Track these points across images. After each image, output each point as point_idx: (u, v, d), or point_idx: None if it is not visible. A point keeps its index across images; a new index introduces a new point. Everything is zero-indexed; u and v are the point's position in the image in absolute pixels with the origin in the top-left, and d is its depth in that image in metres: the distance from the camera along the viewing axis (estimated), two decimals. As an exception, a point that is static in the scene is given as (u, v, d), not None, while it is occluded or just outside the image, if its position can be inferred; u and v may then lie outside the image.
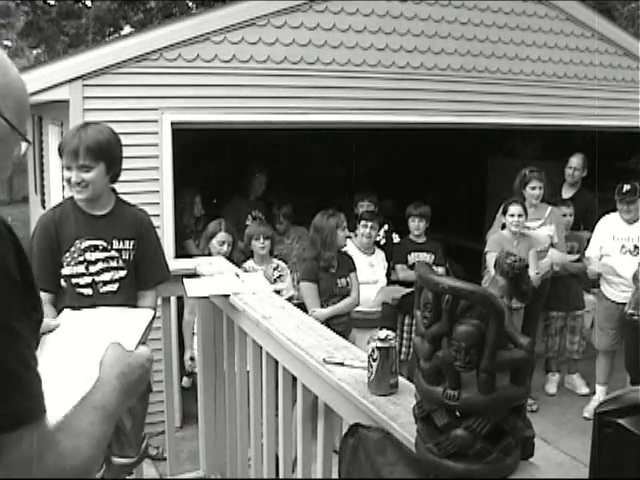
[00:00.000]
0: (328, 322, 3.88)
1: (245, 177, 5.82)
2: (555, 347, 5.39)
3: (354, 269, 4.28)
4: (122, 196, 2.77)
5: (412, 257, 5.07)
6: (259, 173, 5.79)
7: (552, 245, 5.14)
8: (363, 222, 4.67)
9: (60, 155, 2.55)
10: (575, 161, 5.69)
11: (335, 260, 4.15)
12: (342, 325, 3.95)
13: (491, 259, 4.78)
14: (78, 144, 2.47)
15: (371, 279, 4.61)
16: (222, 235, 4.23)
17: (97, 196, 2.56)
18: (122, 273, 2.60)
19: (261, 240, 4.34)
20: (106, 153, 2.52)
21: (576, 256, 5.13)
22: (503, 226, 5.00)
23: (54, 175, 5.62)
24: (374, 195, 5.55)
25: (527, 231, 4.96)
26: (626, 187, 4.78)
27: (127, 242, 2.61)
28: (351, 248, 4.60)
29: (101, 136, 2.53)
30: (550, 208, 5.22)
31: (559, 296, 5.24)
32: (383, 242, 5.35)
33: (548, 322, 5.38)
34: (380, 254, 4.84)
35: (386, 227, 5.41)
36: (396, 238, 5.46)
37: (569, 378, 5.55)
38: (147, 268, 2.67)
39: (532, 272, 4.73)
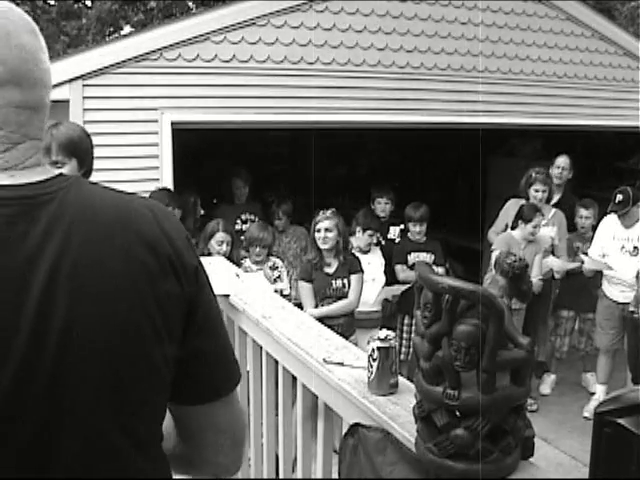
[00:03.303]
0: (323, 323, 3.85)
1: (227, 182, 5.65)
2: (582, 345, 5.44)
3: (358, 271, 4.17)
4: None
5: (412, 257, 5.06)
6: (237, 178, 5.57)
7: (553, 247, 5.13)
8: (359, 227, 4.64)
9: None
10: (562, 160, 5.51)
11: (333, 259, 4.11)
12: (339, 327, 3.83)
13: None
14: (50, 141, 2.43)
15: (369, 277, 4.59)
16: (221, 235, 4.22)
17: None
18: None
19: (257, 250, 4.33)
20: (78, 149, 2.51)
21: (576, 264, 5.08)
22: (512, 228, 4.98)
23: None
24: (391, 192, 5.50)
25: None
26: (619, 197, 4.76)
27: None
28: None
29: (72, 133, 2.52)
30: (554, 210, 5.21)
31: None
32: (397, 241, 5.35)
33: (581, 321, 5.38)
34: (377, 252, 4.83)
35: (402, 226, 5.37)
36: None
37: (583, 376, 5.56)
38: None
39: (535, 277, 4.73)
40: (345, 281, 4.12)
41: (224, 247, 4.19)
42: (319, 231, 4.05)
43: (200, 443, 1.04)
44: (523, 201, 5.11)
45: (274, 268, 4.39)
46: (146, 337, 0.90)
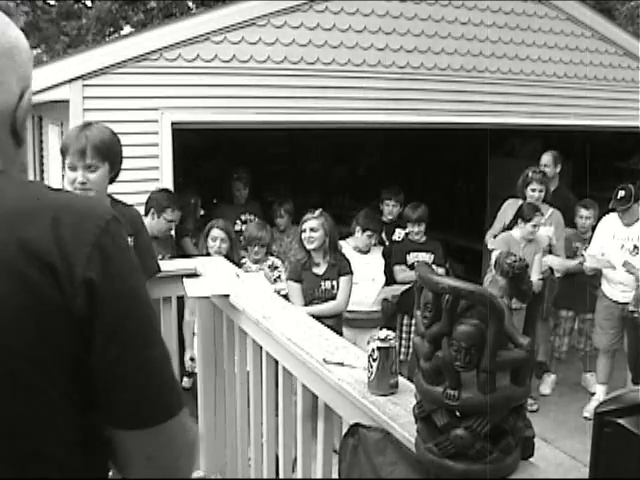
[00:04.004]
0: None
1: (228, 183, 5.67)
2: (581, 345, 5.46)
3: (348, 273, 4.12)
4: (121, 196, 2.76)
5: (411, 257, 5.06)
6: (237, 180, 5.59)
7: (550, 247, 5.14)
8: (358, 227, 4.63)
9: (63, 155, 2.50)
10: (545, 158, 5.59)
11: (322, 260, 4.07)
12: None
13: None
14: (85, 143, 2.43)
15: (369, 277, 4.58)
16: (215, 232, 4.21)
17: (101, 196, 2.54)
18: None
19: (256, 248, 4.33)
20: (111, 153, 2.51)
21: (576, 261, 5.09)
22: (509, 227, 4.98)
23: (54, 175, 5.63)
24: (400, 194, 5.49)
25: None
26: (620, 193, 4.77)
27: (129, 239, 2.58)
28: (347, 248, 4.58)
29: (105, 136, 2.52)
30: (552, 210, 5.21)
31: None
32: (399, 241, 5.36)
33: (581, 321, 5.39)
34: (377, 252, 4.82)
35: (408, 229, 5.37)
36: None
37: (583, 376, 5.57)
38: (144, 262, 2.66)
39: (535, 277, 4.73)
40: (334, 283, 4.07)
41: (217, 243, 4.17)
42: (305, 231, 4.02)
43: (127, 466, 0.98)
44: (520, 202, 5.12)
45: (274, 268, 4.39)
46: (16, 350, 0.83)
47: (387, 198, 5.44)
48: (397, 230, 5.42)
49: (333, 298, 4.07)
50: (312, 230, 4.01)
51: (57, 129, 5.23)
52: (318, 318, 3.88)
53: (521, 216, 4.83)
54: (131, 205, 2.77)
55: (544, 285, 5.05)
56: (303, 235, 4.04)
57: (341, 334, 4.06)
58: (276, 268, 4.40)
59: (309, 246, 4.03)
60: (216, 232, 4.21)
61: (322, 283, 4.06)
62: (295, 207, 5.53)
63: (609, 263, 4.85)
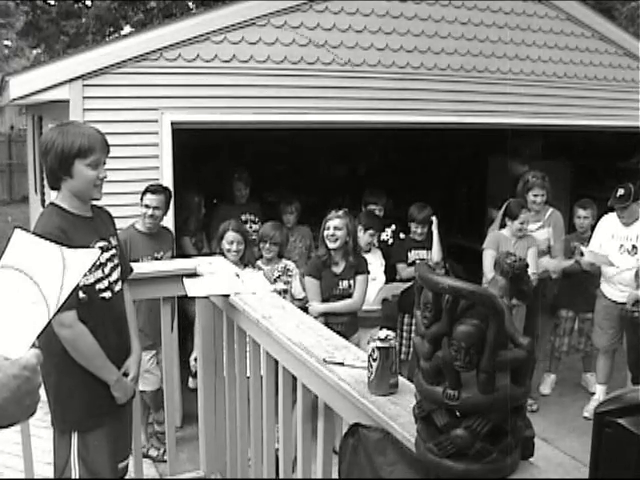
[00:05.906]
0: (326, 320, 3.88)
1: (228, 183, 5.66)
2: (581, 345, 5.46)
3: (364, 272, 4.17)
4: (121, 196, 2.75)
5: (412, 255, 5.07)
6: (238, 180, 5.59)
7: (549, 249, 5.14)
8: (360, 226, 4.63)
9: (83, 153, 2.28)
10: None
11: (341, 259, 4.09)
12: (341, 326, 3.88)
13: (487, 256, 4.78)
14: (104, 138, 2.36)
15: (369, 277, 4.59)
16: (230, 234, 4.19)
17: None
18: (119, 269, 2.55)
19: (267, 245, 4.32)
20: None
21: (571, 261, 5.09)
22: (502, 225, 5.00)
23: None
24: (384, 198, 5.45)
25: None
26: (620, 192, 4.77)
27: (115, 237, 2.58)
28: None
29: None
30: (551, 210, 5.22)
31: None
32: (390, 242, 5.35)
33: (581, 321, 5.39)
34: (377, 252, 4.83)
35: (393, 227, 5.36)
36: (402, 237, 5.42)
37: (583, 376, 5.58)
38: (124, 260, 2.66)
39: (529, 270, 4.72)
40: (351, 282, 4.13)
41: (234, 246, 4.15)
42: (328, 229, 4.04)
43: None
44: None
45: (286, 271, 4.34)
46: None
47: (372, 203, 5.33)
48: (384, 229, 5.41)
49: (349, 296, 4.11)
50: (336, 229, 4.03)
51: (57, 129, 5.21)
52: (334, 315, 3.96)
53: (508, 214, 4.85)
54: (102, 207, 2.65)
55: (542, 283, 5.05)
56: (326, 233, 4.05)
57: (356, 331, 4.10)
58: (288, 270, 4.35)
59: (331, 245, 4.05)
60: (231, 235, 4.16)
61: (340, 283, 4.10)
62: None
63: (606, 259, 4.84)
